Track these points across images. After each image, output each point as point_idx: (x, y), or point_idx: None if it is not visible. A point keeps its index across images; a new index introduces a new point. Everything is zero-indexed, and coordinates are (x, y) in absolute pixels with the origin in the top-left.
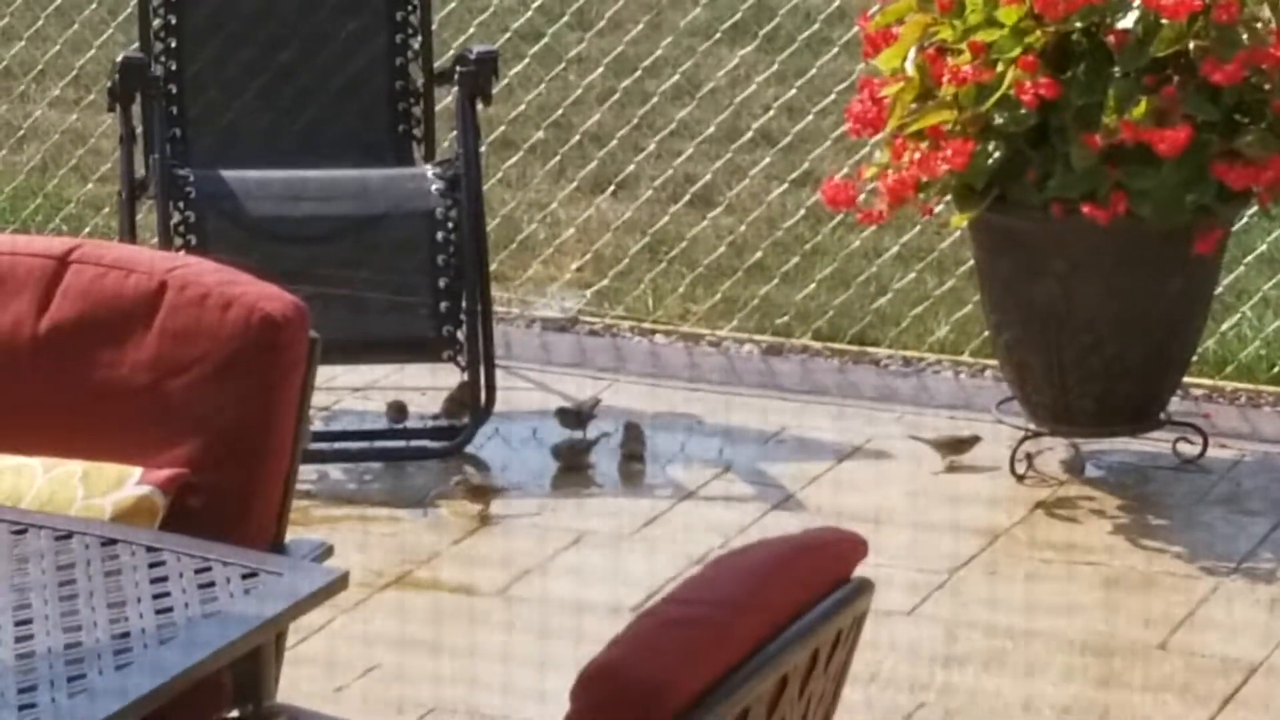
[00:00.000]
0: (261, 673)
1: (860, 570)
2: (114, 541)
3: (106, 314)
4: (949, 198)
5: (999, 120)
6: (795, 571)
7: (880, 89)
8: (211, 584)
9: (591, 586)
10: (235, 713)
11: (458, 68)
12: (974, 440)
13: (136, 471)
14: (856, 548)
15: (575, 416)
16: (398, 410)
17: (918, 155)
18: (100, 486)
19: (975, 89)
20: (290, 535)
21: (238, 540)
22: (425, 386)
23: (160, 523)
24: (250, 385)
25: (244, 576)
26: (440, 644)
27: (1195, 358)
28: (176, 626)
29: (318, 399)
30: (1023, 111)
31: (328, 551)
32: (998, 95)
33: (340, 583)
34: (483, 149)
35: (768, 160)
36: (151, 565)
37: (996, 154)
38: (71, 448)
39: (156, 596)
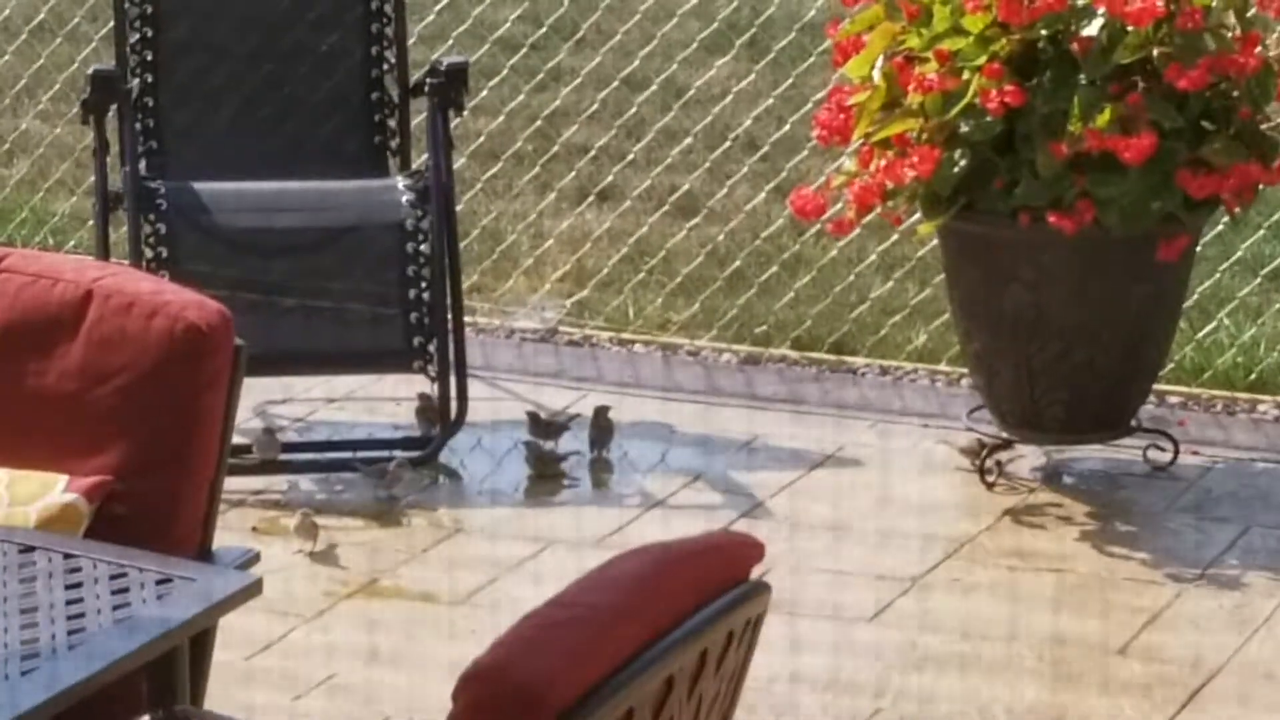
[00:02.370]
0: (175, 678)
1: (822, 577)
2: (32, 549)
3: (33, 322)
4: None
5: (965, 128)
6: (684, 574)
7: (848, 97)
8: (125, 590)
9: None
10: (146, 718)
11: (428, 80)
12: (1005, 444)
13: (62, 479)
14: (751, 550)
15: (546, 427)
16: (428, 412)
17: (884, 163)
18: (25, 494)
19: (941, 97)
20: (255, 545)
21: (163, 547)
22: (401, 397)
23: (85, 530)
24: (175, 393)
25: (158, 582)
26: (400, 653)
27: (1172, 365)
28: (86, 633)
29: (293, 410)
30: (988, 119)
31: (254, 559)
32: (963, 103)
33: (254, 589)
34: (463, 160)
35: (745, 170)
36: (68, 572)
37: (963, 162)
38: None
39: (70, 603)
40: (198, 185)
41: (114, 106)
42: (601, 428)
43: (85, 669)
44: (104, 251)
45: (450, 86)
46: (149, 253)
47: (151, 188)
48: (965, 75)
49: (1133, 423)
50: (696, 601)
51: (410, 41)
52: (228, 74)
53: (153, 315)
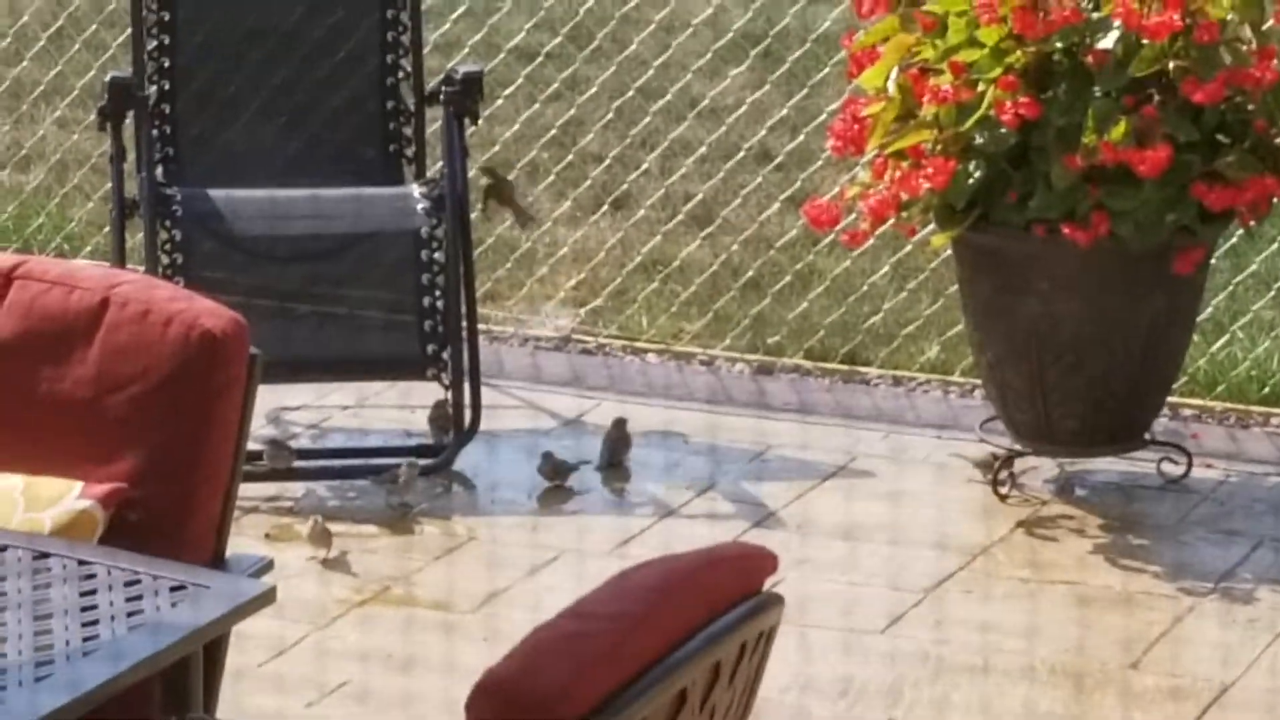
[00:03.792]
0: (189, 685)
1: (835, 588)
2: (47, 555)
3: (49, 330)
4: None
5: (980, 140)
6: (697, 586)
7: (863, 108)
8: (140, 596)
9: (566, 605)
10: None
11: (444, 88)
12: (1016, 455)
13: (77, 486)
14: (765, 562)
15: (556, 469)
16: (442, 419)
17: (899, 174)
18: (41, 501)
19: (956, 109)
20: (268, 552)
21: (176, 554)
22: (415, 405)
23: (100, 536)
24: (189, 401)
25: (172, 589)
26: (412, 660)
27: (1185, 378)
28: (100, 639)
29: (307, 416)
30: (1003, 131)
31: (267, 566)
32: (978, 115)
33: (268, 596)
34: (477, 169)
35: (758, 180)
36: (83, 579)
37: (977, 173)
38: (13, 461)
39: (84, 609)
40: (213, 192)
41: (131, 113)
42: (618, 439)
43: (100, 674)
44: (120, 258)
45: (465, 95)
46: (165, 259)
47: (168, 194)
48: (980, 87)
49: (1146, 435)
50: (709, 613)
51: (426, 50)
52: (244, 82)
53: (168, 323)
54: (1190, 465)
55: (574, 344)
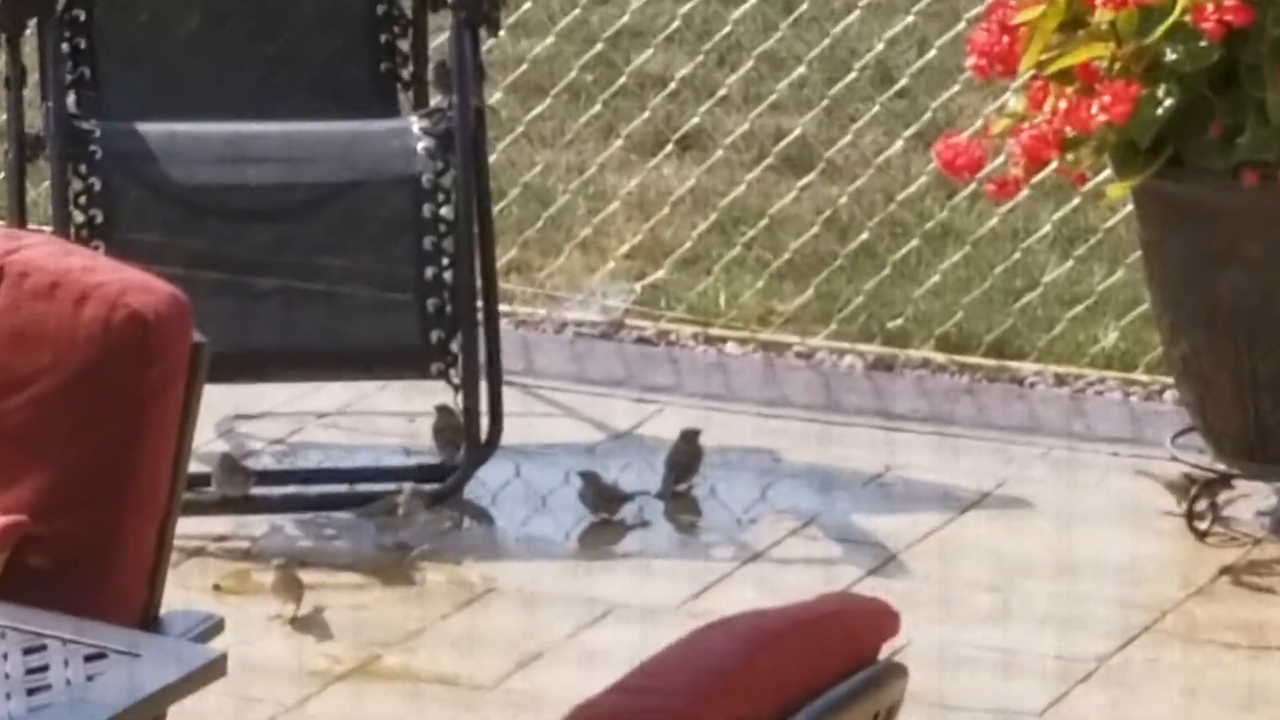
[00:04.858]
0: None
1: (976, 657)
2: None
3: None
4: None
5: (1171, 56)
6: (791, 652)
7: (1014, 14)
8: (44, 668)
9: (617, 677)
10: None
11: None
12: (1222, 480)
13: None
14: (883, 620)
15: (604, 496)
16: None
17: (1063, 103)
18: None
19: (1139, 14)
20: (218, 608)
21: (94, 611)
22: (415, 411)
23: None
24: (112, 405)
25: (88, 659)
26: None
27: None
28: None
29: (271, 428)
30: (1203, 45)
31: (216, 627)
32: (1169, 23)
33: (217, 667)
34: (498, 94)
35: (875, 110)
36: None
37: (1168, 101)
38: None
39: None
40: (144, 127)
41: (33, 22)
42: (688, 457)
43: None
44: (19, 214)
45: None
46: (79, 216)
47: (83, 130)
48: None
49: None
50: (807, 688)
51: None
52: None
53: (82, 301)
54: None
55: (628, 330)
